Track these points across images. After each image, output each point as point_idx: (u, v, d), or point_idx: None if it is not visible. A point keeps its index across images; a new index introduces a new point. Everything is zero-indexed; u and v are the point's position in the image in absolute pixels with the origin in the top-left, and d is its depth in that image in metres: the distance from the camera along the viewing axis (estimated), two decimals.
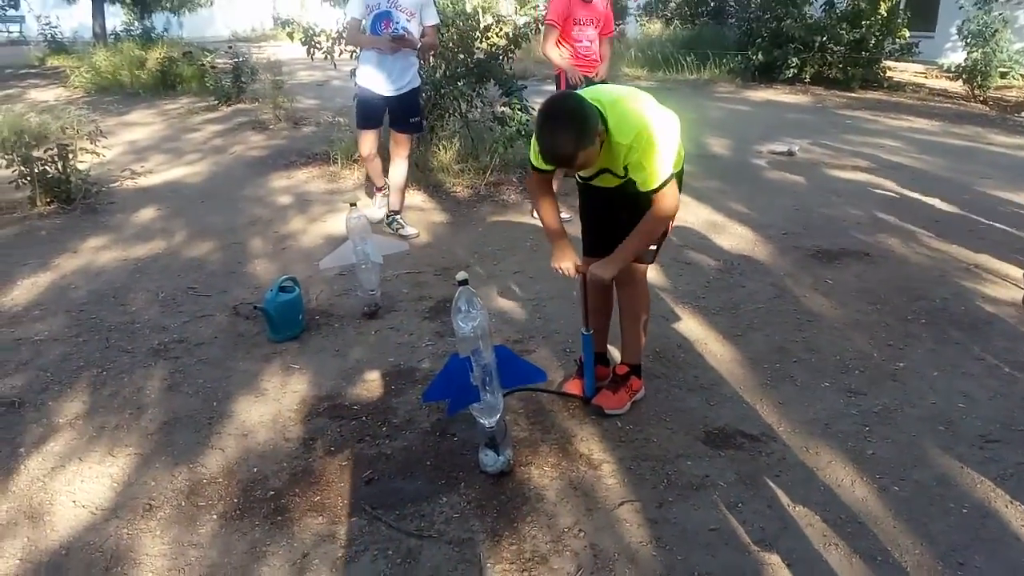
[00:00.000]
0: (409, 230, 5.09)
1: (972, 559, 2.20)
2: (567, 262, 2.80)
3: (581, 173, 2.76)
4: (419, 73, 5.06)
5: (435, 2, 5.08)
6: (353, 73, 5.22)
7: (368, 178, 5.51)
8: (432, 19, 4.86)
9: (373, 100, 4.88)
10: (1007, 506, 2.42)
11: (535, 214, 2.87)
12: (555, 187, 2.94)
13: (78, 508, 2.47)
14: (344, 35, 5.62)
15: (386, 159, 5.20)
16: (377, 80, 4.82)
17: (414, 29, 4.74)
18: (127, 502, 2.49)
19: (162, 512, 2.45)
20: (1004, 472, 2.58)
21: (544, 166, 2.69)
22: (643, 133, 2.46)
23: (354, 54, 5.84)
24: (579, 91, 2.70)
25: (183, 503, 2.49)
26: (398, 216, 5.12)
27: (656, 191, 2.53)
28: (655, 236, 2.74)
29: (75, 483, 2.59)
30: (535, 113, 2.90)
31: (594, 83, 5.51)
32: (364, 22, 4.74)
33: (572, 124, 2.38)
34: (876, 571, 2.16)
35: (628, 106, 2.53)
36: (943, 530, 2.32)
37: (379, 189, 5.36)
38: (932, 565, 2.18)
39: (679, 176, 2.84)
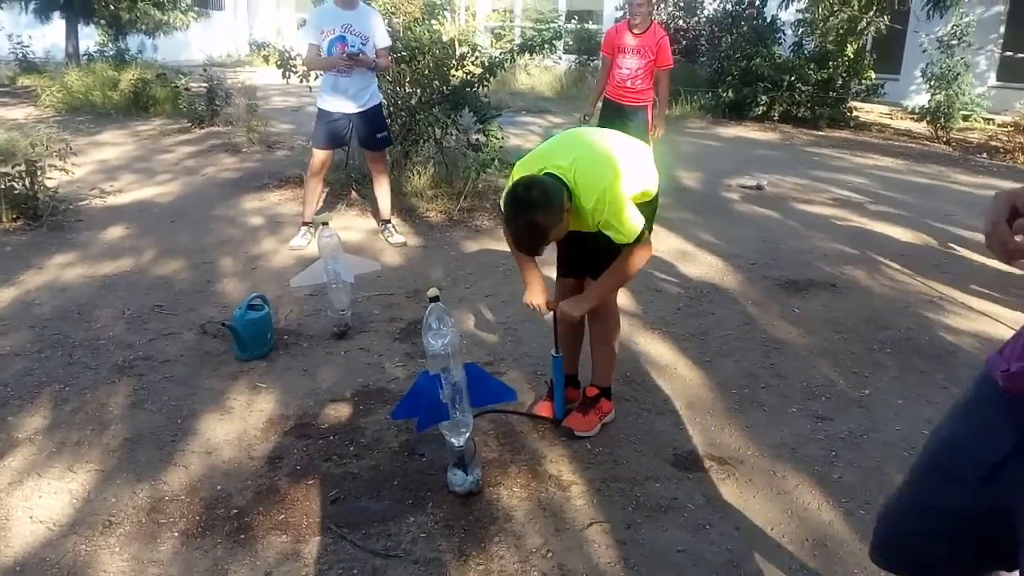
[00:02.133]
0: (398, 237, 5.40)
1: None
2: (538, 299, 2.85)
3: None
4: (378, 90, 5.30)
5: (389, 27, 5.43)
6: None
7: (303, 202, 5.42)
8: (384, 41, 5.13)
9: (334, 120, 5.10)
10: None
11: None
12: None
13: (35, 524, 2.40)
14: (303, 60, 5.73)
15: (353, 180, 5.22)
16: (339, 101, 5.06)
17: (368, 52, 4.99)
18: (86, 518, 2.44)
19: (122, 529, 2.39)
20: None
21: None
22: (605, 194, 2.52)
23: (317, 77, 5.88)
24: (554, 139, 2.78)
25: (144, 520, 2.44)
26: (390, 224, 5.47)
27: (630, 246, 2.60)
28: (625, 281, 2.83)
29: (33, 498, 2.53)
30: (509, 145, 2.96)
31: (626, 111, 5.70)
32: (321, 46, 4.97)
33: (538, 213, 2.45)
34: None
35: (590, 167, 2.57)
36: None
37: (305, 223, 5.31)
38: None
39: (653, 203, 2.88)
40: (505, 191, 2.56)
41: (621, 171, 2.59)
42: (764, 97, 12.19)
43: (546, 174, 2.54)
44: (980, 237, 5.24)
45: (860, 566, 2.27)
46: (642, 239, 2.59)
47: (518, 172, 2.64)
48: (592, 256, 2.73)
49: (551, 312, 2.85)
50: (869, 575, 2.23)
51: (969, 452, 1.30)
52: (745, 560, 2.30)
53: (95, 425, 2.98)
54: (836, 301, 4.44)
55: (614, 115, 5.91)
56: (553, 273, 3.05)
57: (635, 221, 2.56)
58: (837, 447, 2.92)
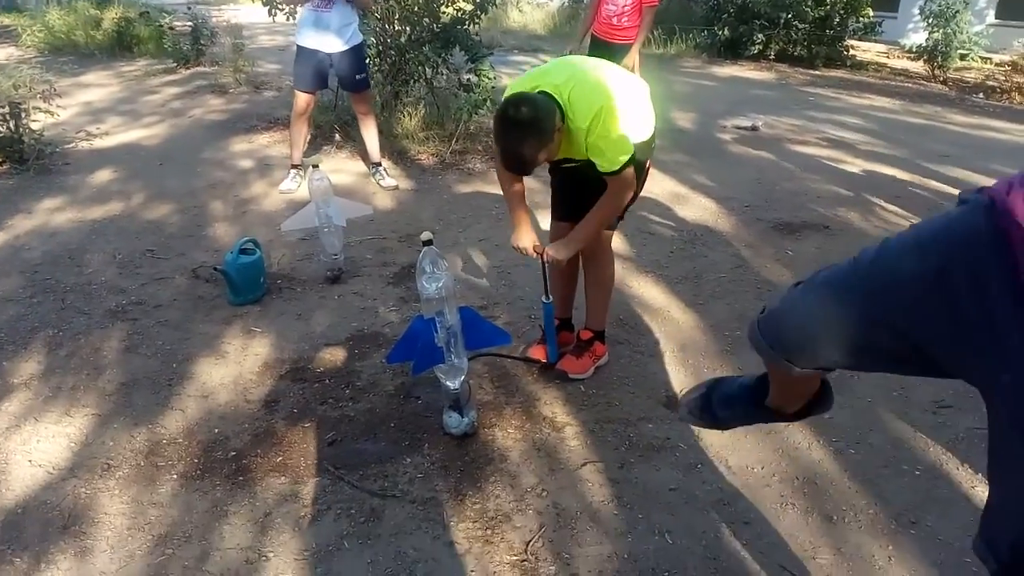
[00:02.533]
0: (389, 181, 5.34)
1: (924, 518, 2.26)
2: (525, 242, 2.83)
3: None
4: (359, 29, 5.11)
5: None
6: None
7: (290, 145, 5.32)
8: None
9: (316, 59, 4.95)
10: (958, 468, 2.49)
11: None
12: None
13: (34, 467, 2.43)
14: None
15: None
16: (318, 39, 4.90)
17: None
18: (85, 462, 2.46)
19: (121, 472, 2.42)
20: (956, 436, 2.66)
21: None
22: (599, 115, 2.46)
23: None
24: (551, 62, 2.71)
25: (142, 463, 2.46)
26: (380, 167, 5.39)
27: (614, 174, 2.55)
28: (609, 219, 2.78)
29: (31, 443, 2.55)
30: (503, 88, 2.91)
31: (613, 48, 5.58)
32: None
33: (528, 132, 2.40)
34: (831, 530, 2.22)
35: (585, 87, 2.51)
36: (896, 491, 2.38)
37: (294, 166, 5.24)
38: (885, 524, 2.24)
39: (650, 143, 2.83)
40: (497, 109, 2.51)
41: (617, 97, 2.53)
42: (760, 35, 11.99)
43: (540, 92, 2.48)
44: (975, 178, 5.22)
45: (849, 503, 2.32)
46: (625, 170, 2.55)
47: (510, 91, 2.57)
48: (588, 198, 2.69)
49: (538, 255, 2.84)
50: (857, 512, 2.28)
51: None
52: (736, 498, 2.34)
53: (90, 370, 2.99)
54: (829, 243, 4.44)
55: (601, 53, 5.81)
56: (547, 219, 3.03)
57: (624, 149, 2.52)
58: None
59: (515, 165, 2.51)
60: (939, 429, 2.69)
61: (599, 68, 2.67)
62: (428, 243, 2.46)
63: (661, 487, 2.38)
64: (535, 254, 2.84)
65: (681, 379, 2.99)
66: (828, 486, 2.40)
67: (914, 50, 11.65)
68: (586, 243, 2.78)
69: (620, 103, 2.53)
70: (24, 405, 2.75)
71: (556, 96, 2.47)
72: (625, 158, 2.52)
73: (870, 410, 2.81)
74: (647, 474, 2.44)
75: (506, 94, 2.55)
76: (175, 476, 2.40)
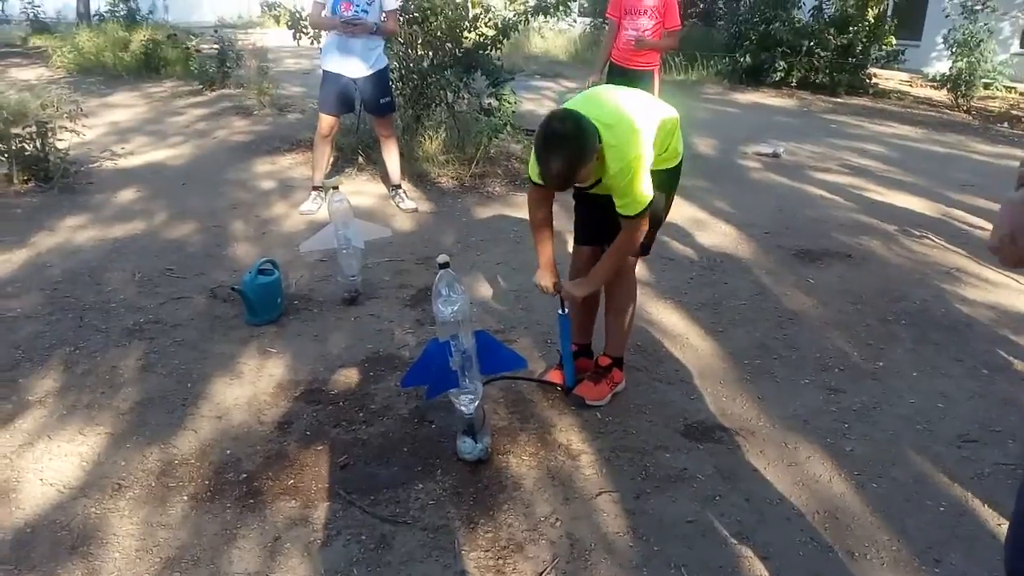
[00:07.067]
0: (409, 203, 5.35)
1: (948, 556, 2.20)
2: (546, 281, 2.85)
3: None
4: (384, 53, 5.15)
5: None
6: None
7: (312, 167, 5.30)
8: (392, 4, 4.97)
9: (341, 83, 4.99)
10: (984, 505, 2.42)
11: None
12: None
13: (45, 486, 2.42)
14: (309, 19, 5.64)
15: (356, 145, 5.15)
16: (343, 64, 4.94)
17: (374, 14, 4.86)
18: (96, 481, 2.45)
19: (131, 492, 2.40)
20: (981, 472, 2.59)
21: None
22: (633, 164, 2.48)
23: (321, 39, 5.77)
24: (581, 96, 2.73)
25: (153, 483, 2.44)
26: (400, 190, 5.40)
27: (630, 218, 2.57)
28: (625, 259, 2.80)
29: (43, 461, 2.54)
30: (529, 118, 2.91)
31: (633, 75, 5.51)
32: (326, 5, 4.84)
33: (571, 146, 2.39)
34: (853, 566, 2.16)
35: (623, 132, 2.51)
36: (920, 527, 2.32)
37: (315, 188, 5.24)
38: (908, 561, 2.18)
39: (677, 169, 2.83)
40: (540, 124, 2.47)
41: (649, 140, 2.56)
42: (782, 63, 12.00)
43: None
44: (998, 207, 5.16)
45: (871, 539, 2.26)
46: (641, 217, 2.58)
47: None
48: (609, 223, 2.68)
49: (556, 293, 2.85)
50: (879, 548, 2.22)
51: None
52: (755, 531, 2.28)
53: (106, 388, 2.98)
54: (851, 272, 4.39)
55: (620, 80, 5.78)
56: (571, 242, 3.01)
57: (646, 194, 2.54)
58: (850, 419, 2.89)
59: (552, 178, 2.46)
60: (964, 464, 2.63)
61: (634, 104, 2.65)
62: (445, 266, 2.45)
63: (678, 519, 2.33)
64: (554, 292, 2.85)
65: (699, 408, 2.95)
66: (850, 521, 2.34)
67: (937, 79, 11.60)
68: (602, 284, 2.83)
69: (650, 146, 2.56)
70: (38, 423, 2.75)
71: (598, 127, 2.45)
72: (644, 205, 2.54)
73: (893, 443, 2.75)
74: (664, 505, 2.39)
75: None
76: (186, 497, 2.38)
